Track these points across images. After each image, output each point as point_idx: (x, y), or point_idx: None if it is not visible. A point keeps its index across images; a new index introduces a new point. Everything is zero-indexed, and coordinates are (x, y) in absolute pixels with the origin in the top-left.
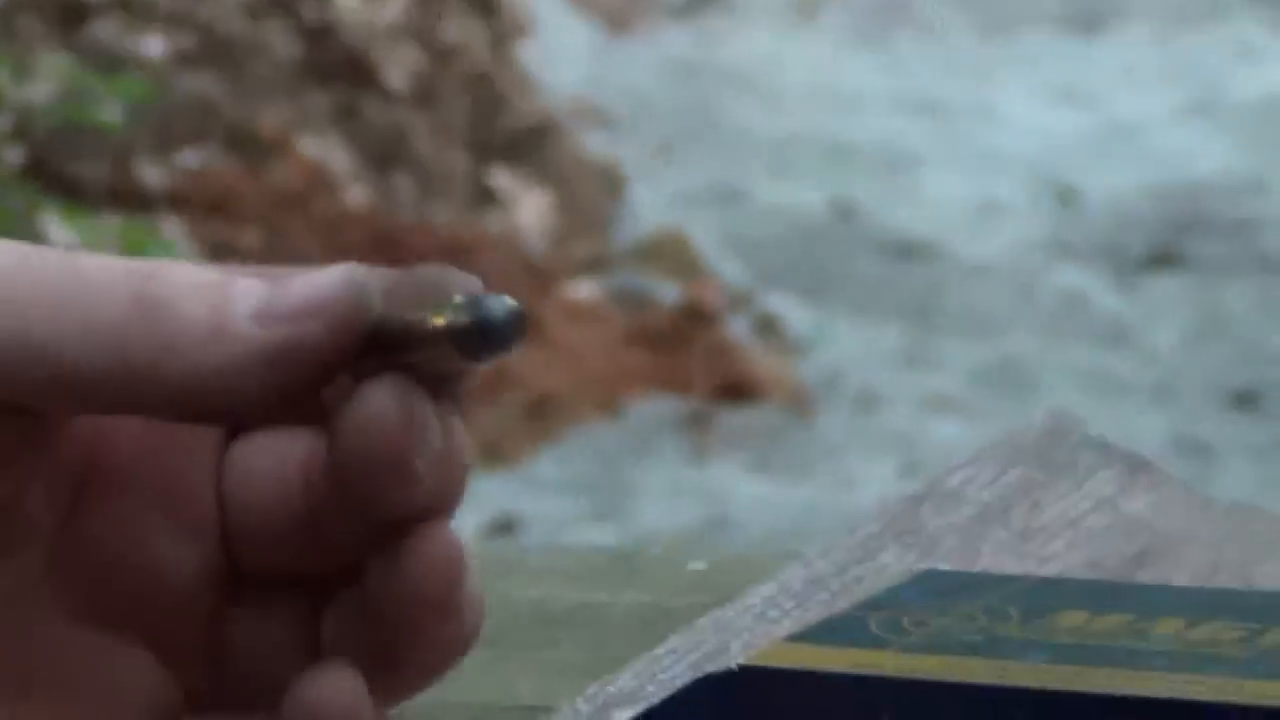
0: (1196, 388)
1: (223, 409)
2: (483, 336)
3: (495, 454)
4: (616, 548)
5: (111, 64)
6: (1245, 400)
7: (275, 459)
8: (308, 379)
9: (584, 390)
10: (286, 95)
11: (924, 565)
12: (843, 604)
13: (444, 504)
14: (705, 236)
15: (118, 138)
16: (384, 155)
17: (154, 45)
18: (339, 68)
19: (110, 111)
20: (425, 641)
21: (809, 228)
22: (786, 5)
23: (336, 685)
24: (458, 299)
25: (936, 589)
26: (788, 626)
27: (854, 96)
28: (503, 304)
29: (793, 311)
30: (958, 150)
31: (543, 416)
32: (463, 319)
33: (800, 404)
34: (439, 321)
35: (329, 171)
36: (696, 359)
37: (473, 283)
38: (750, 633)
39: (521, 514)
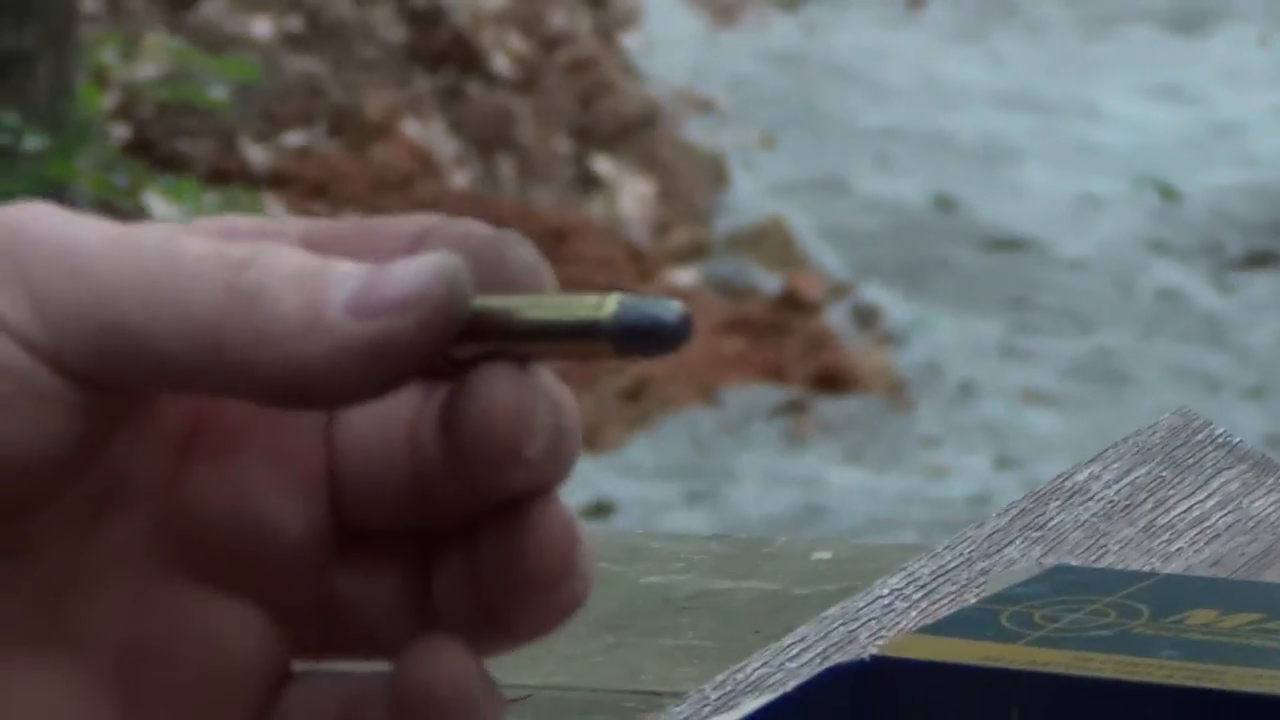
0: None
1: (317, 400)
2: (653, 337)
3: (592, 439)
4: (741, 536)
5: (219, 44)
6: None
7: (383, 418)
8: (403, 371)
9: (682, 377)
10: (392, 79)
11: (1050, 560)
12: (969, 597)
13: (556, 478)
14: (806, 227)
15: (224, 117)
16: (488, 140)
17: (261, 27)
18: (445, 52)
19: (217, 91)
20: (535, 610)
21: (909, 220)
22: None
23: (448, 661)
24: (614, 296)
25: (1067, 584)
26: (915, 618)
27: (956, 90)
28: (669, 308)
29: (891, 303)
30: (1058, 146)
31: (640, 402)
32: (633, 314)
33: (896, 395)
34: (599, 316)
35: (432, 155)
36: (794, 348)
37: (539, 262)
38: (878, 623)
39: (617, 498)
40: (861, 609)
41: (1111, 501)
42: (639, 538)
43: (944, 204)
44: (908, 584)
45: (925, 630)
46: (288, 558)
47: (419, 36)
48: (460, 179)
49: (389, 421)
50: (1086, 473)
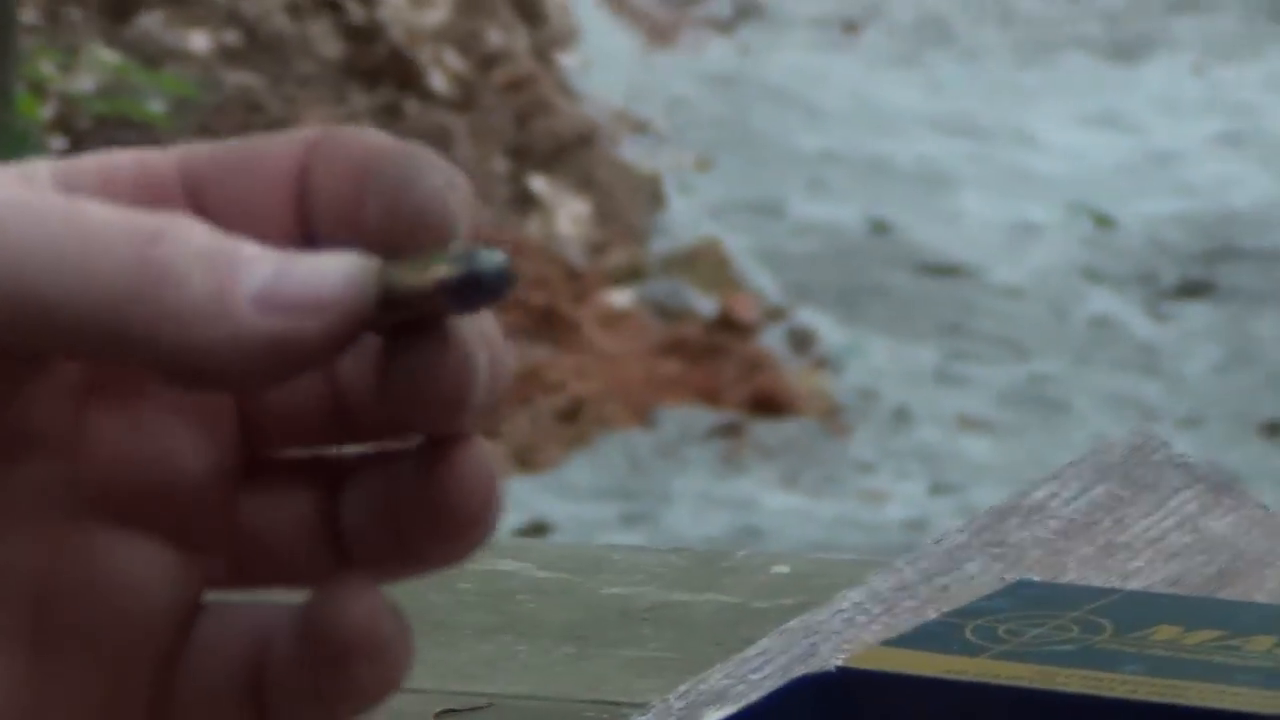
0: (1226, 415)
1: (218, 385)
2: (474, 291)
3: (528, 459)
4: (700, 549)
5: (157, 57)
6: (1275, 429)
7: None
8: (302, 366)
9: (617, 397)
10: (329, 94)
11: (1011, 576)
12: (930, 612)
13: (483, 414)
14: (741, 249)
15: (161, 131)
16: None
17: (199, 40)
18: (382, 69)
19: (154, 105)
20: (449, 544)
21: (844, 244)
22: (828, 22)
23: (361, 603)
24: (451, 252)
25: (1030, 599)
26: (877, 632)
27: (892, 115)
28: (493, 258)
29: (826, 327)
30: (994, 172)
31: (576, 422)
32: (455, 274)
33: (832, 419)
34: (432, 278)
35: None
36: (730, 371)
37: (444, 174)
38: (840, 636)
39: (553, 519)
40: (823, 622)
41: (1070, 519)
42: (600, 549)
43: (880, 228)
44: (869, 598)
45: (890, 643)
46: (194, 492)
47: (356, 52)
48: None
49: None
50: (1045, 490)
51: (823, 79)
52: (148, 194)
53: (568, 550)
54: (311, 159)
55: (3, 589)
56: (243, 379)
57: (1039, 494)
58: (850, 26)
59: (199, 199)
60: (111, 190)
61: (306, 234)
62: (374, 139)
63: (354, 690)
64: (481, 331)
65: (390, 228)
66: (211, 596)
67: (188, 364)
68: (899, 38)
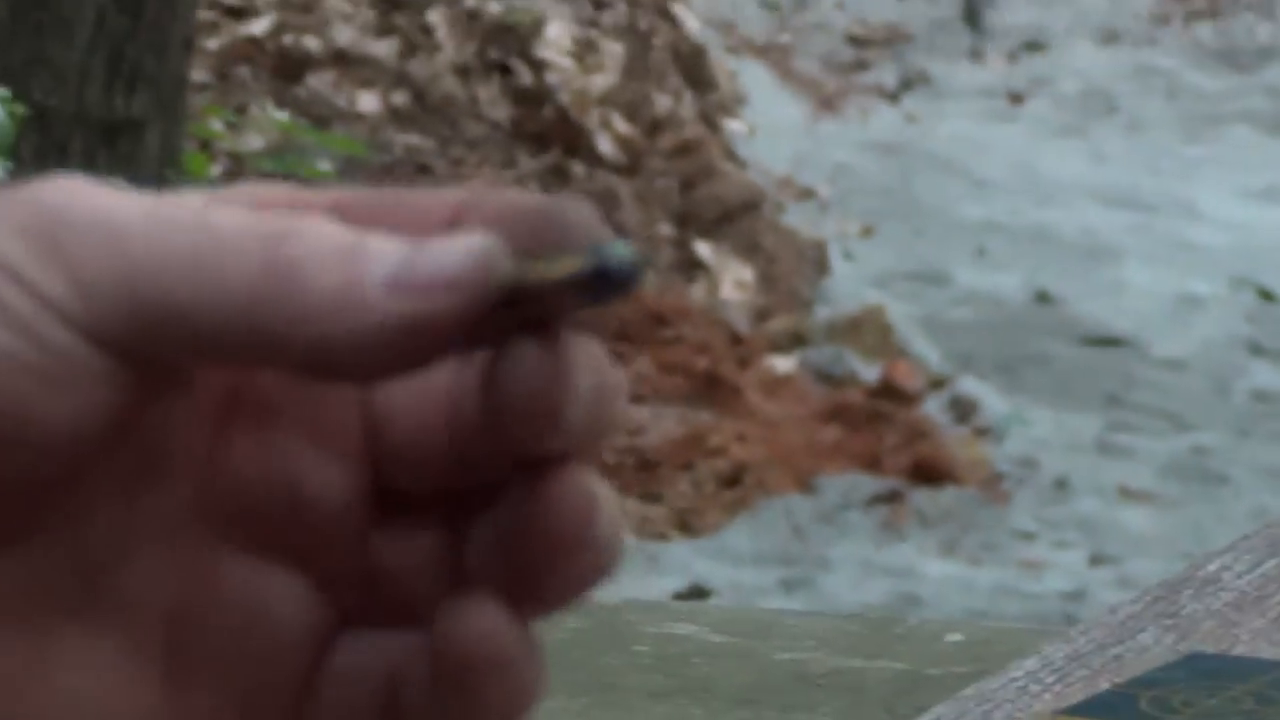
0: None
1: (353, 375)
2: (604, 283)
3: (689, 523)
4: (874, 615)
5: (325, 118)
6: None
7: (420, 383)
8: (437, 348)
9: (779, 463)
10: (497, 157)
11: (1183, 647)
12: (1103, 682)
13: (590, 442)
14: (904, 317)
15: None
16: None
17: (368, 101)
18: (550, 132)
19: (323, 165)
20: (556, 573)
21: (1007, 313)
22: (994, 92)
23: (482, 618)
24: (581, 246)
25: (1204, 671)
26: (1050, 701)
27: (1056, 186)
28: (623, 250)
29: (988, 396)
30: (1157, 244)
31: (737, 487)
32: (587, 265)
33: (992, 488)
34: (562, 272)
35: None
36: (891, 438)
37: (592, 220)
38: (1013, 705)
39: (713, 583)
40: (996, 690)
41: (1243, 592)
42: (772, 614)
43: (1042, 298)
44: (1042, 667)
45: (1064, 713)
46: (327, 524)
47: (524, 115)
48: None
49: (426, 387)
50: (1218, 563)
51: (987, 149)
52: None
53: (740, 614)
54: (464, 214)
55: (136, 612)
56: (381, 366)
57: (1212, 566)
58: (1016, 97)
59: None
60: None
61: None
62: (521, 199)
63: (483, 710)
64: (591, 355)
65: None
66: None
67: (325, 357)
68: (1064, 109)
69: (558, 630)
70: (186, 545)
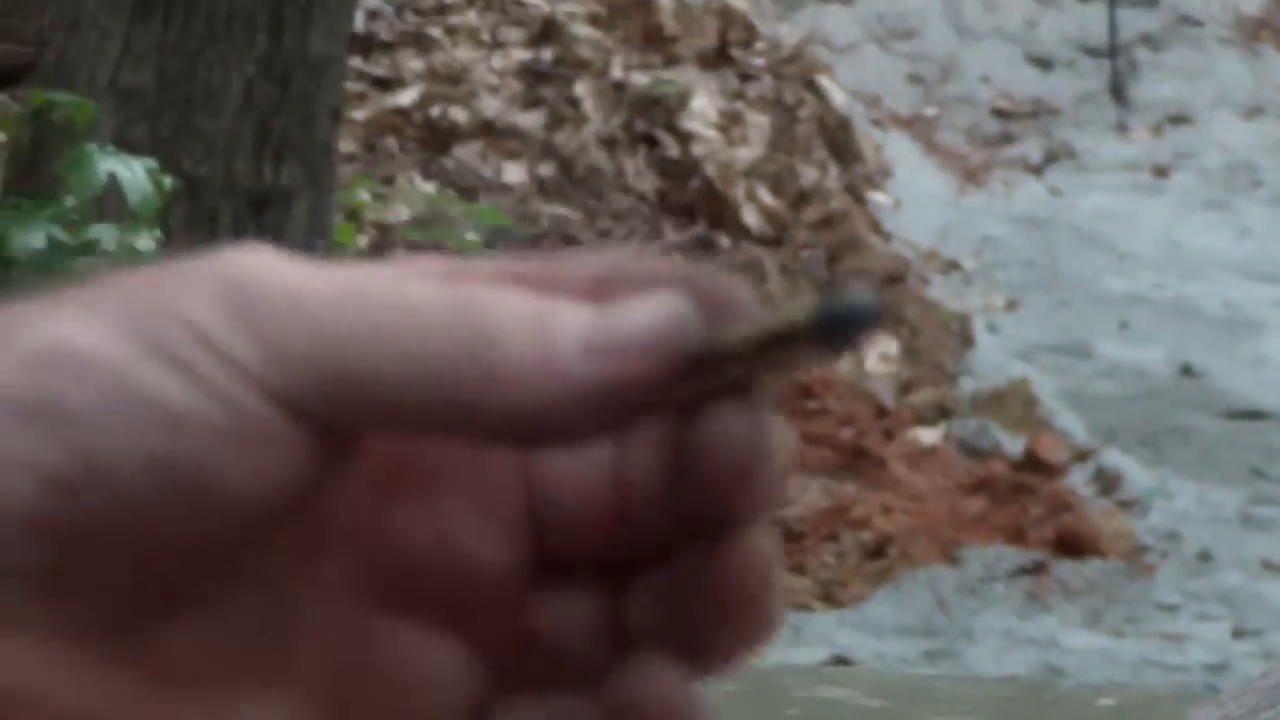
0: None
1: (549, 439)
2: (847, 321)
3: (833, 594)
4: (1027, 680)
5: (471, 189)
6: None
7: (585, 454)
8: (633, 411)
9: (923, 534)
10: (643, 228)
11: None
12: None
13: (766, 507)
14: (1048, 390)
15: None
16: None
17: (514, 172)
18: (696, 204)
19: (470, 235)
20: (731, 631)
21: (1151, 386)
22: (1138, 166)
23: (659, 678)
24: (810, 303)
25: None
26: None
27: (1200, 259)
28: (863, 295)
29: (1132, 468)
30: None
31: (882, 558)
32: (829, 306)
33: (1136, 560)
34: (802, 319)
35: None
36: (1035, 510)
37: (746, 296)
38: None
39: (856, 654)
40: None
41: None
42: (921, 679)
43: (1186, 372)
44: None
45: None
46: (489, 591)
47: (671, 187)
48: None
49: (589, 455)
50: None
51: (1131, 222)
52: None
53: (890, 679)
54: (609, 280)
55: (305, 676)
56: (577, 429)
57: None
58: (1160, 170)
59: None
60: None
61: None
62: (664, 264)
63: None
64: (773, 421)
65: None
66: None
67: (521, 423)
68: (1208, 182)
69: (710, 694)
70: (351, 611)
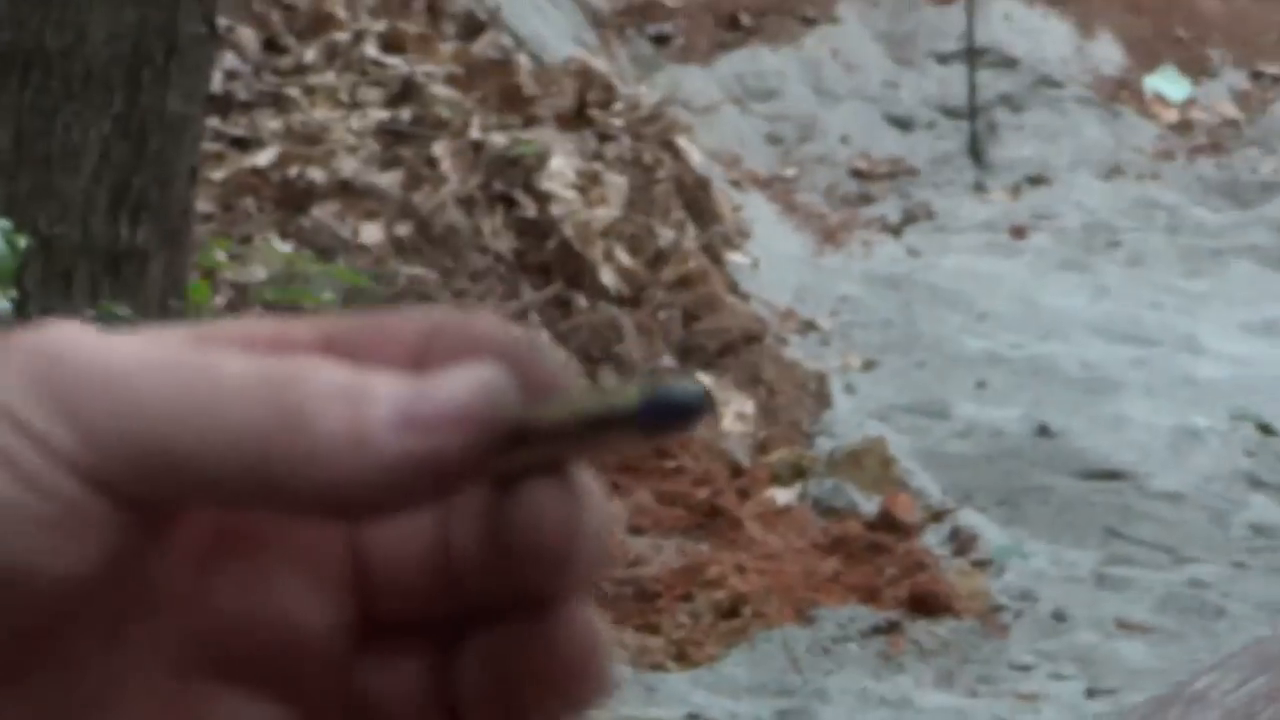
0: None
1: (363, 514)
2: (669, 412)
3: (686, 653)
4: None
5: (329, 249)
6: None
7: (411, 518)
8: (446, 486)
9: (777, 594)
10: (500, 287)
11: None
12: None
13: (593, 577)
14: (905, 449)
15: None
16: (593, 353)
17: (371, 232)
18: (553, 264)
19: (326, 295)
20: (554, 703)
21: (1007, 446)
22: (996, 226)
23: None
24: (634, 389)
25: None
26: None
27: (1057, 319)
28: (689, 385)
29: (987, 528)
30: (1158, 378)
31: (735, 618)
32: (651, 394)
33: (990, 620)
34: (624, 404)
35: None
36: (890, 570)
37: (563, 366)
38: None
39: (709, 713)
40: None
41: (1231, 709)
42: None
43: (1043, 432)
44: None
45: None
46: (313, 655)
47: (528, 247)
48: None
49: (415, 519)
50: (1206, 680)
51: (989, 282)
52: (283, 352)
53: None
54: (435, 338)
55: None
56: (392, 504)
57: (1199, 684)
58: (1018, 230)
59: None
60: (249, 349)
61: None
62: (490, 326)
63: None
64: (594, 492)
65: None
66: None
67: (335, 498)
68: (1066, 243)
69: None
70: (173, 680)
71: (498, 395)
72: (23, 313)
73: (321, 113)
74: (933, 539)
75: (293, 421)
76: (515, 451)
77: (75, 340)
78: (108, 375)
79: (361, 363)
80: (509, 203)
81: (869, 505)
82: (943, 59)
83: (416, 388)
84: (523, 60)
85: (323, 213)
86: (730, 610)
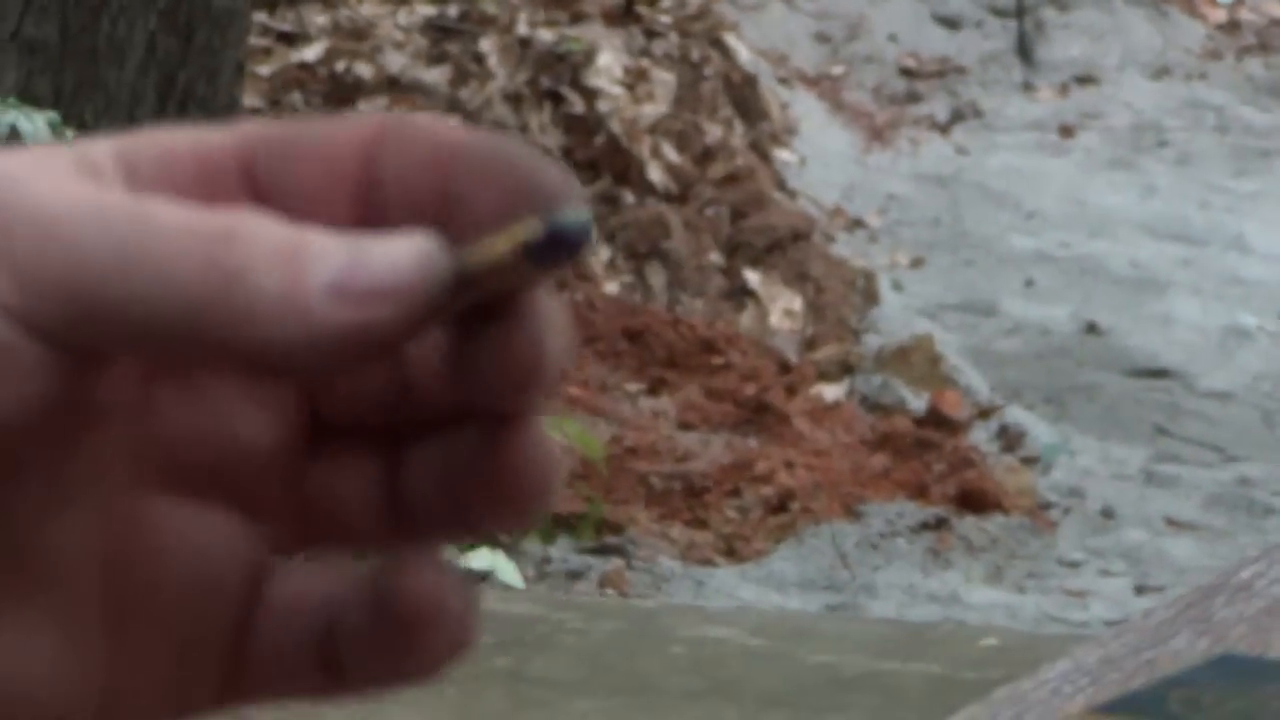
0: None
1: (296, 375)
2: (558, 247)
3: (735, 550)
4: (910, 621)
5: None
6: None
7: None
8: (378, 354)
9: (825, 490)
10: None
11: (1216, 651)
12: (1135, 684)
13: (549, 392)
14: (953, 347)
15: None
16: (640, 249)
17: None
18: (600, 160)
19: None
20: (505, 517)
21: (1055, 344)
22: (1044, 125)
23: (425, 574)
24: (530, 217)
25: (1234, 672)
26: (1081, 703)
27: (1105, 218)
28: (575, 213)
29: (1035, 425)
30: (1205, 277)
31: (784, 513)
32: (539, 232)
33: (1038, 517)
34: (513, 241)
35: (584, 262)
36: (938, 466)
37: (527, 160)
38: (1044, 707)
39: (758, 608)
40: (1028, 692)
41: (1276, 598)
42: (808, 619)
43: (1091, 330)
44: (1075, 670)
45: (1096, 710)
46: (260, 465)
47: (575, 143)
48: (611, 286)
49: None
50: (1252, 570)
51: (1037, 181)
52: (207, 182)
53: (777, 619)
54: (379, 146)
55: (72, 560)
56: (320, 370)
57: (1245, 574)
58: (1066, 130)
59: (257, 184)
60: (171, 179)
61: (369, 218)
62: (449, 129)
63: (424, 655)
64: (549, 314)
65: (486, 205)
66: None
67: (263, 360)
68: (1114, 142)
69: (594, 632)
70: (120, 490)
71: (432, 265)
72: None
73: (369, 8)
74: (981, 436)
75: (229, 279)
76: (456, 298)
77: (15, 177)
78: (43, 218)
79: (296, 181)
80: (556, 99)
81: (917, 402)
82: None
83: (353, 254)
84: None
85: (370, 108)
86: (778, 506)
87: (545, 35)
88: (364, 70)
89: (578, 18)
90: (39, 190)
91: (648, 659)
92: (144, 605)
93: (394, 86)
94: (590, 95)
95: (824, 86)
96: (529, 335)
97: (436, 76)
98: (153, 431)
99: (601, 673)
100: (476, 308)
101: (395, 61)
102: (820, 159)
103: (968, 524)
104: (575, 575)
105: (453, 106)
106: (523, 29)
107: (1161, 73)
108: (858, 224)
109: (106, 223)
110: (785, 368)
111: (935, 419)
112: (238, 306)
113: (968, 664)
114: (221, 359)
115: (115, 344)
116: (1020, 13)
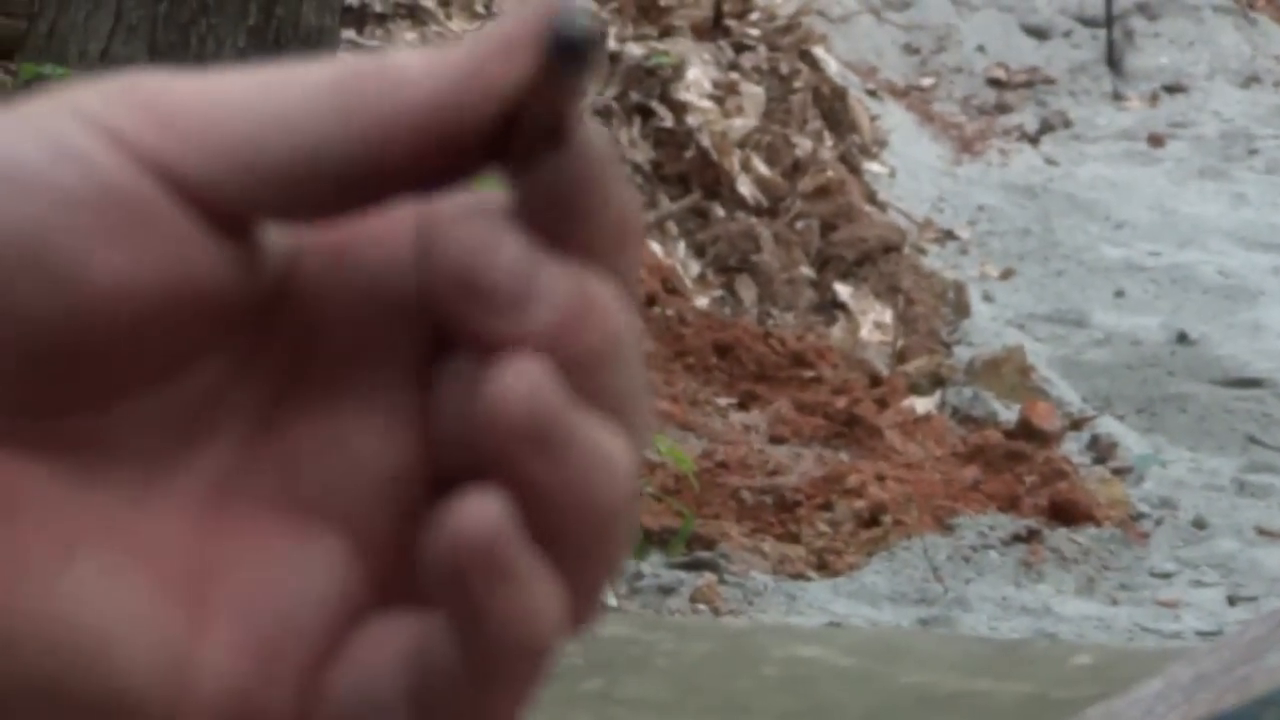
0: None
1: (453, 131)
2: (564, 55)
3: (826, 562)
4: (1004, 639)
5: None
6: None
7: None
8: (495, 109)
9: (917, 503)
10: (638, 197)
11: None
12: (1227, 702)
13: (607, 224)
14: (1043, 358)
15: None
16: (730, 262)
17: None
18: (690, 174)
19: None
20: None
21: (1146, 355)
22: (1134, 135)
23: (481, 511)
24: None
25: None
26: None
27: (1195, 227)
28: (577, 17)
29: (1126, 436)
30: None
31: (875, 527)
32: (546, 40)
33: (1130, 528)
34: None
35: (675, 275)
36: (1029, 478)
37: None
38: None
39: (850, 622)
40: (1121, 711)
41: None
42: (901, 638)
43: (1181, 340)
44: (1169, 688)
45: None
46: (377, 494)
47: (665, 157)
48: (702, 300)
49: None
50: None
51: (1127, 191)
52: None
53: (869, 638)
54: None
55: (163, 552)
56: (472, 121)
57: None
58: (1156, 139)
59: None
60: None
61: None
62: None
63: (512, 691)
64: (596, 139)
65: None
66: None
67: (433, 118)
68: (1204, 151)
69: (686, 653)
70: (229, 499)
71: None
72: None
73: (458, 24)
74: (1072, 447)
75: (375, 66)
76: (517, 128)
77: (172, 76)
78: (208, 94)
79: None
80: (646, 113)
81: (1008, 414)
82: None
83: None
84: None
85: None
86: (870, 519)
87: (634, 49)
88: None
89: (667, 32)
90: (193, 79)
91: (740, 680)
92: (229, 607)
93: None
94: (680, 109)
95: (913, 98)
96: (578, 153)
97: None
98: (276, 444)
99: (693, 694)
100: (531, 146)
101: None
102: (910, 171)
103: (1059, 536)
104: (667, 590)
105: None
106: (612, 43)
107: (1250, 81)
108: (948, 235)
109: (259, 87)
110: (876, 380)
111: (1026, 430)
112: (388, 76)
113: (1061, 682)
114: (389, 145)
115: (280, 182)
116: (1109, 22)
